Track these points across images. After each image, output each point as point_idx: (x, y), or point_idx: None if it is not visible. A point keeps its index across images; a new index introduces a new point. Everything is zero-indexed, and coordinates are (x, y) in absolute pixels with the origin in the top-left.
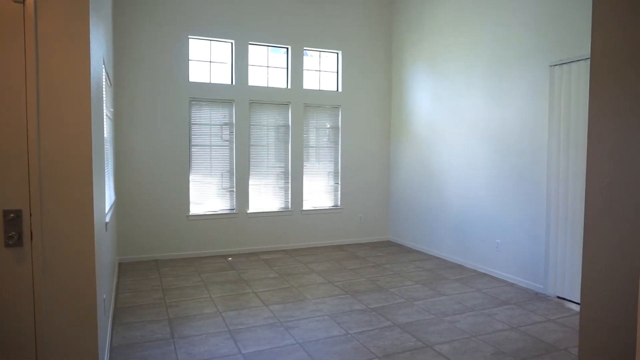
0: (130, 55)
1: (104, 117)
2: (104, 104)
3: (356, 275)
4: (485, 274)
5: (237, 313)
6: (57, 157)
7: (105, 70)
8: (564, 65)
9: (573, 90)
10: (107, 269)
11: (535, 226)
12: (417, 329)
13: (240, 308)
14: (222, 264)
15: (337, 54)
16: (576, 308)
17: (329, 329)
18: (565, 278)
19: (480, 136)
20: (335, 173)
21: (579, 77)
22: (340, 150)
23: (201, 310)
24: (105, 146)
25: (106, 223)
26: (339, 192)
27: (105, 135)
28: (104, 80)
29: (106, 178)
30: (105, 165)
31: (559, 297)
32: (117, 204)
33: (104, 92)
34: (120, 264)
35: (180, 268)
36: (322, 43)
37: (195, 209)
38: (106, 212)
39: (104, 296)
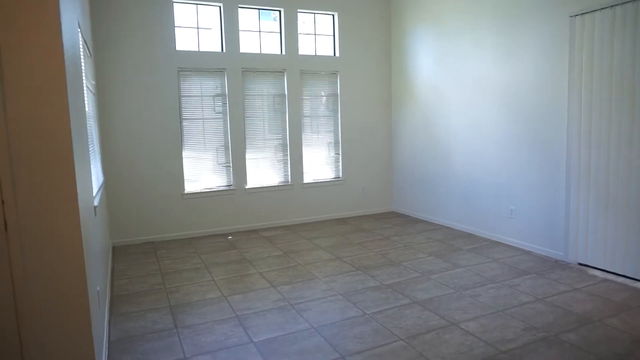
0: (110, 24)
1: (84, 88)
2: (83, 74)
3: (364, 250)
4: (499, 243)
5: (243, 297)
6: (29, 133)
7: (83, 37)
8: (587, 15)
9: (597, 42)
10: (99, 256)
11: (553, 191)
12: (438, 305)
13: (246, 291)
14: (222, 243)
15: (333, 15)
16: (601, 275)
17: (345, 310)
18: (588, 244)
19: (489, 97)
20: (336, 143)
21: (604, 28)
22: (340, 119)
23: (204, 295)
24: (89, 122)
25: (95, 207)
26: (340, 163)
27: (87, 110)
28: (81, 46)
29: (92, 158)
30: (90, 144)
31: (580, 264)
32: (107, 186)
33: (81, 60)
34: (114, 248)
35: (178, 249)
36: (316, 4)
37: (190, 186)
38: (94, 195)
39: (98, 288)
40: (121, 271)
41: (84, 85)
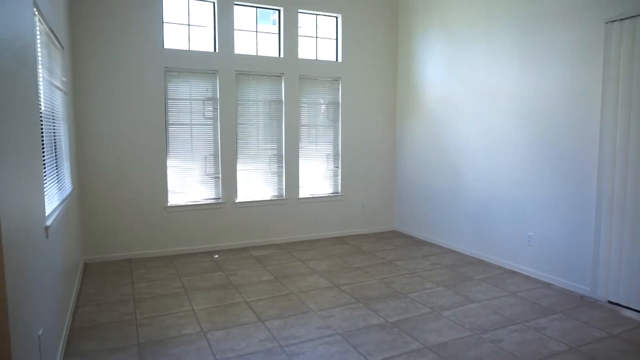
0: (91, 16)
1: (40, 84)
2: (40, 67)
3: (365, 276)
4: (514, 272)
5: (225, 333)
6: None
7: (47, 24)
8: (626, 20)
9: (637, 52)
10: (52, 285)
11: (580, 216)
12: (454, 353)
13: (230, 325)
14: (207, 262)
15: (337, 18)
16: (636, 317)
17: (344, 356)
18: (621, 280)
19: (506, 108)
20: (335, 155)
21: None
22: (340, 129)
23: (180, 330)
24: (53, 126)
25: (46, 227)
26: (340, 177)
27: (43, 109)
28: (37, 33)
29: (55, 166)
30: (50, 149)
31: (610, 302)
32: (81, 196)
33: (37, 51)
34: (86, 266)
35: (157, 269)
36: (318, 4)
37: (174, 199)
38: (51, 212)
39: (40, 332)
40: (89, 295)
41: (40, 80)
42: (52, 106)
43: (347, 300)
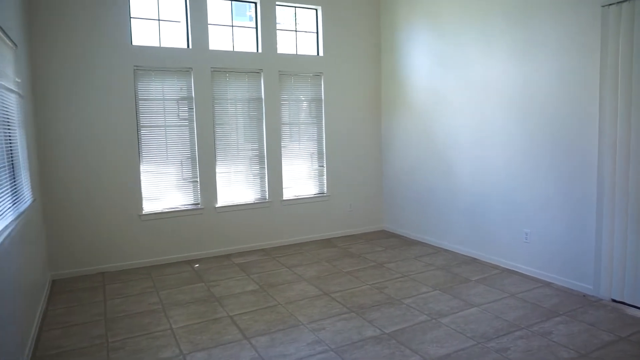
0: (50, 12)
1: None
2: None
3: (356, 281)
4: (512, 271)
5: (207, 355)
6: None
7: None
8: (624, 4)
9: (637, 36)
10: (2, 309)
11: (579, 211)
12: None
13: (212, 345)
14: (187, 273)
15: (316, 10)
16: None
17: None
18: (626, 277)
19: (500, 101)
20: (320, 154)
21: None
22: (324, 126)
23: (157, 354)
24: (9, 132)
25: None
26: (325, 177)
27: (9, 116)
28: None
29: (12, 177)
30: (4, 159)
31: (614, 301)
32: (45, 208)
33: None
34: (54, 283)
35: (134, 283)
36: None
37: (149, 206)
38: None
39: None
40: (56, 317)
41: None
42: (6, 110)
43: (338, 310)
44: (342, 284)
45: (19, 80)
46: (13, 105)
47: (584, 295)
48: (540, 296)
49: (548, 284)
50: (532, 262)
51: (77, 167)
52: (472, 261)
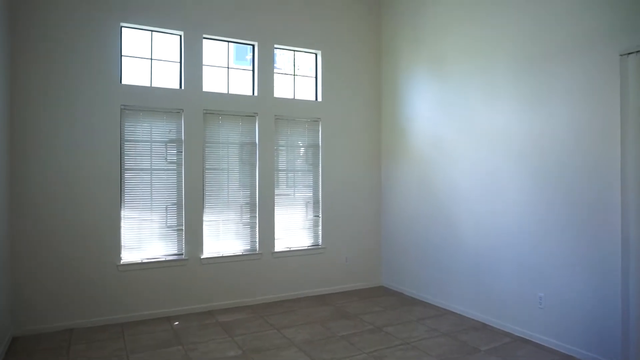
0: (36, 45)
1: None
2: None
3: (353, 349)
4: (525, 340)
5: None
6: None
7: None
8: None
9: None
10: None
11: (602, 274)
12: None
13: None
14: (165, 332)
15: (316, 54)
16: None
17: None
18: None
19: (509, 153)
20: (315, 203)
21: None
22: (320, 174)
23: None
24: None
25: None
26: (320, 227)
27: None
28: None
29: None
30: None
31: None
32: (12, 254)
33: None
34: (15, 341)
35: (102, 344)
36: (296, 40)
37: (129, 255)
38: None
39: None
40: None
41: None
42: None
43: None
44: (336, 352)
45: None
46: None
47: None
48: None
49: (569, 358)
50: (548, 331)
51: (50, 210)
52: (482, 327)
